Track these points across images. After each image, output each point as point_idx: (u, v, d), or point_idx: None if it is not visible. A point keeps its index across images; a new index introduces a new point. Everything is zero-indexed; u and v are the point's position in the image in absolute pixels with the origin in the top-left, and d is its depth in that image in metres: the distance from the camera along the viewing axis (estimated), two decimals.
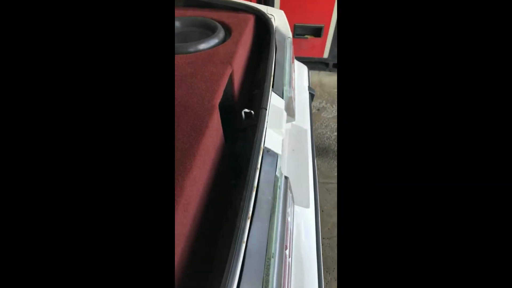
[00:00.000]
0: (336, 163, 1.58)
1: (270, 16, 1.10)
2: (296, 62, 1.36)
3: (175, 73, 0.69)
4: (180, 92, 0.62)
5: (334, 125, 1.83)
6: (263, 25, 1.08)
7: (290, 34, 1.20)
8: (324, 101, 2.01)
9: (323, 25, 2.00)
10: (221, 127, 0.62)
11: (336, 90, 2.09)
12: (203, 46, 0.82)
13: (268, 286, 0.44)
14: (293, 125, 0.98)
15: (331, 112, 1.93)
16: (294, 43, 1.41)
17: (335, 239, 1.21)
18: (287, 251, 0.55)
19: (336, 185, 1.45)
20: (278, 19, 1.15)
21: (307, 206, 0.73)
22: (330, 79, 2.22)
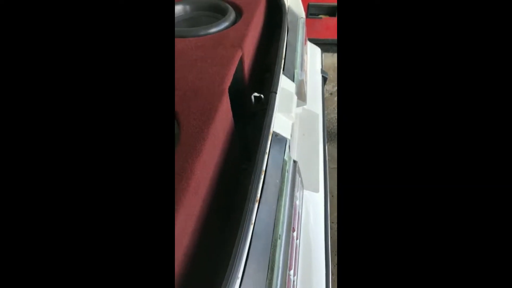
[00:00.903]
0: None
1: None
2: (309, 44, 1.32)
3: (185, 57, 0.69)
4: (190, 76, 0.62)
5: None
6: (275, 5, 1.04)
7: (303, 14, 1.15)
8: (333, 84, 1.96)
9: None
10: (230, 111, 0.62)
11: None
12: (213, 29, 0.81)
13: (274, 265, 0.46)
14: (304, 109, 0.97)
15: None
16: (307, 23, 1.36)
17: None
18: (294, 233, 0.56)
19: None
20: None
21: (317, 191, 0.74)
22: None
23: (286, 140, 0.63)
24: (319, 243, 0.67)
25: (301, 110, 0.96)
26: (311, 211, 0.70)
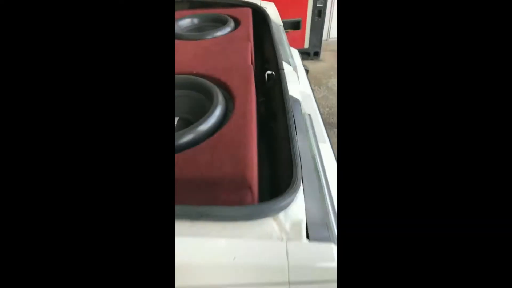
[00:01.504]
0: (332, 132, 1.81)
1: (264, 8, 1.32)
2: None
3: (209, 52, 0.88)
4: (222, 61, 0.81)
5: (324, 102, 2.07)
6: (260, 16, 1.29)
7: (281, 23, 1.42)
8: (311, 85, 2.26)
9: (300, 19, 2.25)
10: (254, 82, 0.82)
11: (318, 75, 2.35)
12: (223, 32, 1.02)
13: (319, 174, 0.64)
14: (301, 92, 1.20)
15: (320, 93, 2.17)
16: None
17: None
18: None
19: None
20: (271, 10, 1.38)
21: (324, 142, 0.94)
22: (313, 66, 2.48)
23: (299, 101, 0.84)
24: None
25: (299, 93, 1.18)
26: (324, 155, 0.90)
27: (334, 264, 0.37)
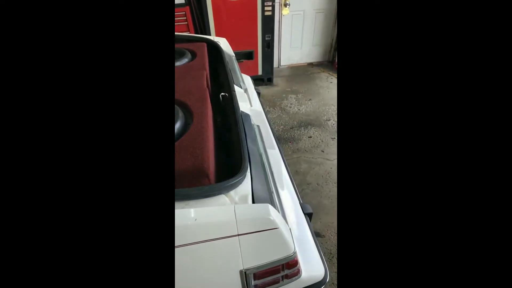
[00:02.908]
0: (286, 146, 2.03)
1: (217, 42, 1.55)
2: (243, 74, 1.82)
3: None
4: (182, 85, 0.97)
5: (279, 121, 2.31)
6: (214, 48, 1.51)
7: (233, 54, 1.65)
8: (267, 106, 2.51)
9: (253, 50, 2.56)
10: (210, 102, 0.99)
11: (272, 97, 2.63)
12: (178, 63, 1.20)
13: (265, 167, 0.81)
14: (251, 109, 1.39)
15: (275, 113, 2.42)
16: None
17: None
18: (265, 157, 0.92)
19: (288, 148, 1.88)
20: (223, 43, 1.61)
21: (273, 148, 1.12)
22: (267, 91, 2.77)
23: (249, 115, 1.02)
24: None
25: (249, 110, 1.38)
26: (271, 158, 1.07)
27: (270, 217, 0.52)
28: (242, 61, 2.63)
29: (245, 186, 0.62)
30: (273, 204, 0.65)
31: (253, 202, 0.61)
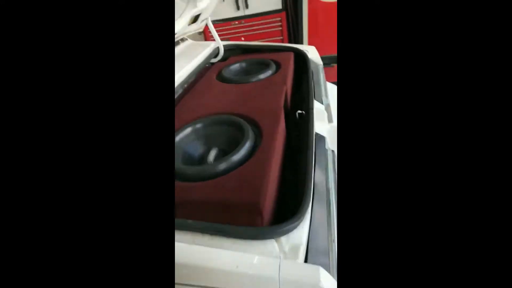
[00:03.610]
0: None
1: (305, 51, 1.47)
2: (329, 84, 1.69)
3: (251, 94, 1.05)
4: (258, 102, 0.97)
5: None
6: (301, 58, 1.44)
7: (321, 63, 1.54)
8: None
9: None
10: (284, 121, 0.94)
11: None
12: (262, 76, 1.20)
13: (330, 207, 0.71)
14: (331, 126, 1.27)
15: None
16: (324, 70, 1.76)
17: None
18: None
19: None
20: (311, 53, 1.52)
21: None
22: None
23: (324, 137, 0.92)
24: None
25: (330, 127, 1.26)
26: None
27: (319, 284, 0.44)
28: (333, 66, 2.45)
29: (299, 233, 0.55)
30: (330, 259, 0.56)
31: (307, 255, 0.53)
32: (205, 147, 0.89)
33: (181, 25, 1.25)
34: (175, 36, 1.34)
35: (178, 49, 1.44)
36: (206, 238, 0.54)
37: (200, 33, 2.32)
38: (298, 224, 0.56)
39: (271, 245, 0.52)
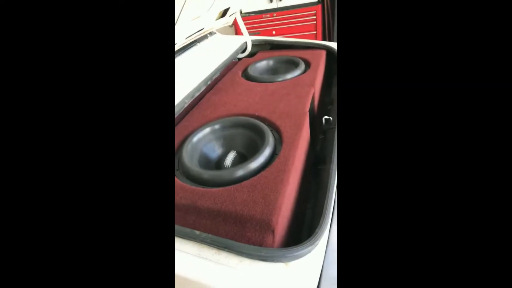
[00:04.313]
0: None
1: None
2: None
3: (276, 94, 0.99)
4: (281, 105, 0.91)
5: None
6: (333, 57, 1.35)
7: None
8: None
9: None
10: (309, 127, 0.88)
11: None
12: (289, 76, 1.13)
13: None
14: None
15: None
16: None
17: None
18: None
19: None
20: None
21: None
22: None
23: None
24: None
25: None
26: None
27: None
28: None
29: (313, 259, 0.50)
30: None
31: (319, 284, 0.49)
32: (223, 149, 0.86)
33: (208, 19, 1.22)
34: (202, 30, 1.32)
35: (204, 44, 1.41)
36: (213, 252, 0.51)
37: (231, 25, 2.28)
38: (312, 249, 0.51)
39: (280, 270, 0.48)
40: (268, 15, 2.44)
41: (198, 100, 1.06)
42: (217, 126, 0.86)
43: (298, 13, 2.36)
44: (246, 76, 1.20)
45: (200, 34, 1.38)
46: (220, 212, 0.58)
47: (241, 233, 0.55)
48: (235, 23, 2.19)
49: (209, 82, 1.10)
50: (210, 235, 0.53)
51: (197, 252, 0.51)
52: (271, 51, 1.49)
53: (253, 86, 1.09)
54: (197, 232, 0.53)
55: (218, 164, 0.82)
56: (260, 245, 0.52)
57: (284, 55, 1.33)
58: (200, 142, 0.83)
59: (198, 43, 1.37)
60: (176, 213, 0.60)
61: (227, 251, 0.50)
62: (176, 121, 0.93)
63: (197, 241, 0.53)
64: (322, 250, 0.53)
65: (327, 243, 0.55)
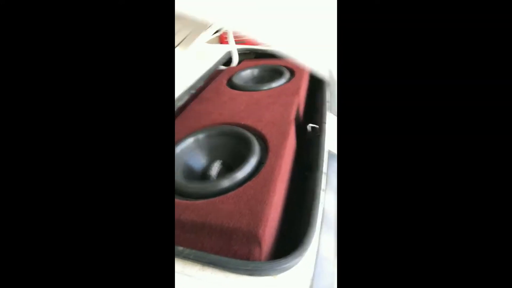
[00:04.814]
0: None
1: None
2: None
3: (261, 103, 0.99)
4: (267, 114, 0.91)
5: None
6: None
7: None
8: None
9: None
10: (295, 135, 0.87)
11: None
12: (274, 84, 1.14)
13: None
14: None
15: None
16: None
17: None
18: None
19: None
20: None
21: None
22: None
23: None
24: None
25: None
26: None
27: None
28: None
29: (302, 270, 0.49)
30: None
31: None
32: (208, 159, 0.84)
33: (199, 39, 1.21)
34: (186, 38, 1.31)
35: (188, 52, 1.40)
36: (197, 268, 0.49)
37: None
38: (300, 260, 0.50)
39: (268, 283, 0.46)
40: None
41: (181, 110, 1.04)
42: (201, 136, 0.84)
43: None
44: (231, 85, 1.20)
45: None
46: (205, 225, 0.55)
47: (227, 246, 0.52)
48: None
49: (192, 92, 1.09)
50: (194, 250, 0.50)
51: (180, 269, 0.49)
52: (256, 60, 1.50)
53: (238, 95, 1.08)
54: (180, 248, 0.51)
55: (203, 175, 0.80)
56: (247, 258, 0.51)
57: (269, 63, 1.35)
58: (184, 153, 0.80)
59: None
60: None
61: (212, 267, 0.48)
62: None
63: (180, 258, 0.50)
64: (312, 261, 0.52)
65: (317, 252, 0.54)
